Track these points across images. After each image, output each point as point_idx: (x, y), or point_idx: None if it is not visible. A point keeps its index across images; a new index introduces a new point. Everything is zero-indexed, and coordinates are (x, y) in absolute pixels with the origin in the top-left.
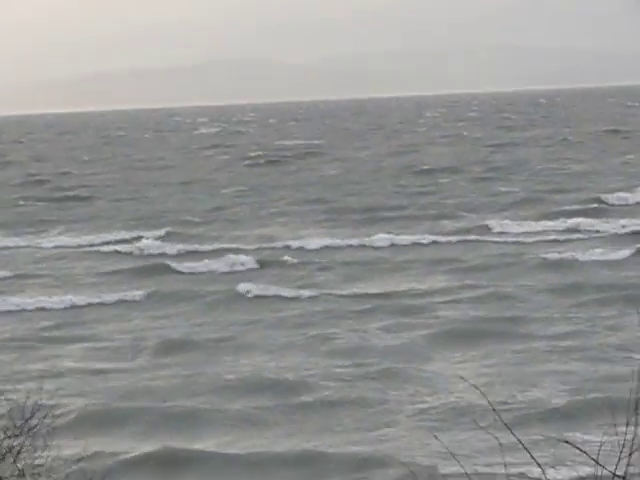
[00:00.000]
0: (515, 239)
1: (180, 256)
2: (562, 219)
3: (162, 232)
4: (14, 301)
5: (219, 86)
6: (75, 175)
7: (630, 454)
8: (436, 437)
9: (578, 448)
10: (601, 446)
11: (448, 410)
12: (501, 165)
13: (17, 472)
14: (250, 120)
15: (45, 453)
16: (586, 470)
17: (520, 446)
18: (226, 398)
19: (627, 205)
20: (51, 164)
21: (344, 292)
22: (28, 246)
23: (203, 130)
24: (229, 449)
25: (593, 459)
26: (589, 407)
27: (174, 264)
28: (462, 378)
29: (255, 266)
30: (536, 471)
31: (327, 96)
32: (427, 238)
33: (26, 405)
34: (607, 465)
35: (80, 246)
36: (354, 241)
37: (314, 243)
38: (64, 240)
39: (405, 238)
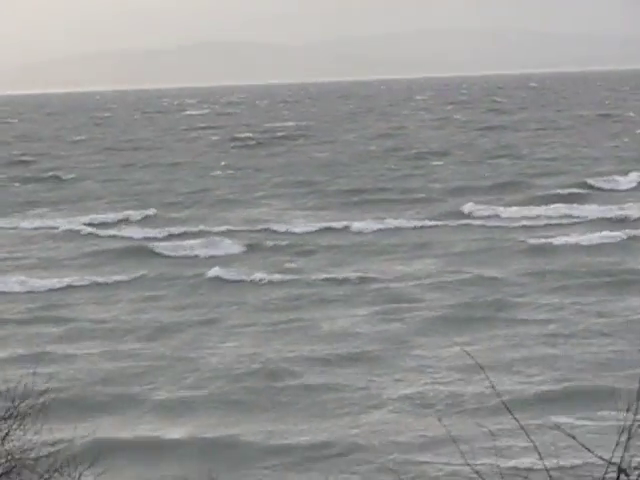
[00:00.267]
0: (499, 223)
1: (163, 238)
2: (546, 203)
3: (146, 214)
4: None
5: (217, 67)
6: (60, 156)
7: (628, 439)
8: (439, 420)
9: (569, 434)
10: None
11: (432, 396)
12: (488, 148)
13: (5, 454)
14: (240, 102)
15: (35, 437)
16: (577, 457)
17: (506, 432)
18: (208, 383)
19: (614, 190)
20: (37, 144)
21: (328, 276)
22: (10, 227)
23: (192, 112)
24: (210, 433)
25: (583, 446)
26: (575, 393)
27: (156, 246)
28: (468, 354)
29: (240, 249)
30: (527, 461)
31: (326, 78)
32: (412, 222)
33: (16, 388)
34: (597, 451)
35: (62, 227)
36: (340, 224)
37: (300, 226)
38: (46, 222)
39: (390, 222)
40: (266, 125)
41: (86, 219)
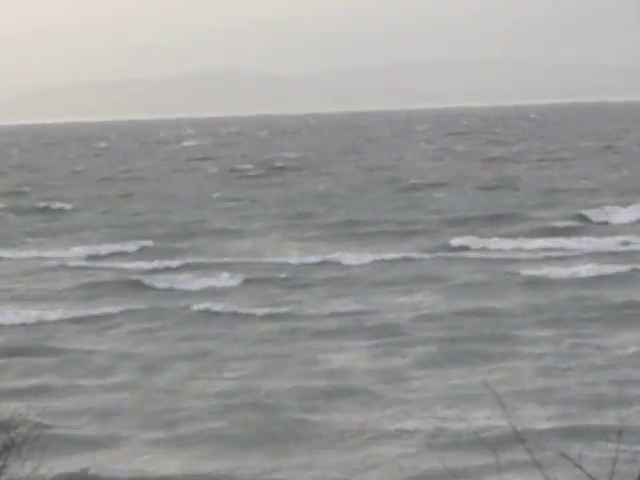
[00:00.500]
0: (495, 256)
1: (158, 271)
2: (544, 236)
3: (143, 245)
4: None
5: (217, 97)
6: (57, 186)
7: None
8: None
9: (574, 463)
10: None
11: (431, 430)
12: (487, 179)
13: None
14: (240, 132)
15: (28, 471)
16: None
17: (504, 469)
18: (202, 416)
19: (612, 223)
20: (34, 175)
21: (324, 309)
22: (6, 258)
23: (191, 142)
24: (206, 468)
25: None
26: (571, 429)
27: (151, 279)
28: (487, 386)
29: (236, 282)
30: None
31: (326, 109)
32: (408, 254)
33: (11, 421)
34: None
35: (56, 259)
36: (336, 256)
37: (296, 258)
38: (41, 253)
39: (386, 255)
40: (265, 156)
41: (81, 250)
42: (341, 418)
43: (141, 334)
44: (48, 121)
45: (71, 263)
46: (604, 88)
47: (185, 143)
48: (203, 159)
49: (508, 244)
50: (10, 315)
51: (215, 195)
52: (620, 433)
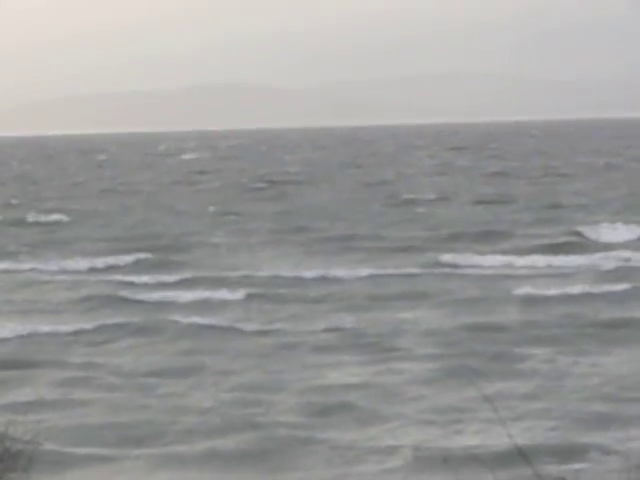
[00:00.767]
0: (490, 272)
1: (154, 285)
2: (541, 252)
3: (140, 258)
4: None
5: (217, 110)
6: (57, 198)
7: None
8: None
9: None
10: None
11: (429, 447)
12: (487, 194)
13: None
14: (240, 146)
15: None
16: None
17: None
18: (195, 435)
19: (608, 241)
20: (34, 187)
21: (320, 324)
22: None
23: (191, 155)
24: None
25: None
26: (570, 446)
27: (146, 293)
28: (487, 401)
29: (234, 296)
30: None
31: (326, 123)
32: (404, 270)
33: (3, 437)
34: None
35: (48, 271)
36: (332, 272)
37: (291, 272)
38: (37, 265)
39: (383, 270)
40: (264, 170)
41: (78, 263)
42: (335, 434)
43: (136, 348)
44: (48, 133)
45: (67, 276)
46: (604, 104)
47: (184, 156)
48: (202, 172)
49: (502, 260)
50: (3, 328)
51: (213, 208)
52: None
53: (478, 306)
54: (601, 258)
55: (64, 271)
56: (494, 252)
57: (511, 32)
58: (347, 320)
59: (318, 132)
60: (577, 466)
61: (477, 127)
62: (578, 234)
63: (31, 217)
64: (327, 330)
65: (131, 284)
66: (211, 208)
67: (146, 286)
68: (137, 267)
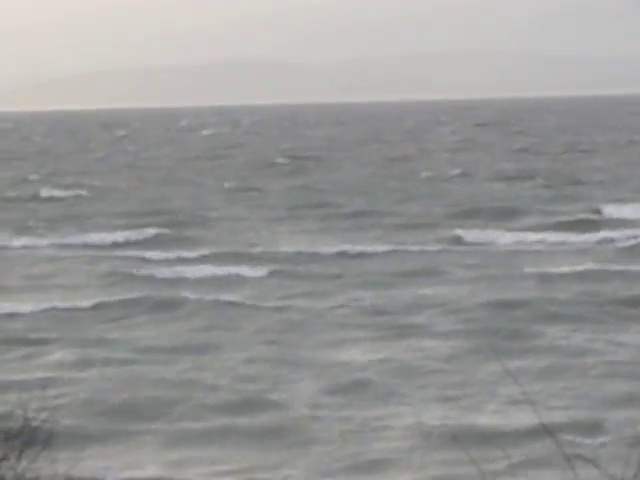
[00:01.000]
0: (507, 249)
1: (173, 260)
2: (560, 229)
3: (159, 233)
4: None
5: (233, 86)
6: (78, 173)
7: None
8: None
9: (590, 460)
10: None
11: (447, 425)
12: (507, 170)
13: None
14: (261, 122)
15: (40, 464)
16: None
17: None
18: (200, 414)
19: (627, 218)
20: (55, 162)
21: (335, 303)
22: (24, 246)
23: (213, 130)
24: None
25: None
26: (589, 424)
27: (164, 268)
28: (520, 387)
29: (249, 273)
30: None
31: (343, 99)
32: (423, 247)
33: (23, 412)
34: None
35: (68, 246)
36: (348, 248)
37: (311, 249)
38: (53, 240)
39: (400, 247)
40: (285, 146)
41: (97, 238)
42: (352, 412)
43: (153, 324)
44: (75, 107)
45: (86, 251)
46: (620, 80)
47: (205, 132)
48: (223, 148)
49: (521, 237)
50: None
51: (233, 184)
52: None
53: (496, 283)
54: (619, 236)
55: (83, 246)
56: (513, 229)
57: (527, 8)
58: (366, 296)
59: (336, 108)
60: (597, 442)
61: (495, 103)
62: (597, 211)
63: (50, 192)
64: (346, 306)
65: (150, 260)
66: (231, 183)
67: (165, 262)
68: (156, 243)
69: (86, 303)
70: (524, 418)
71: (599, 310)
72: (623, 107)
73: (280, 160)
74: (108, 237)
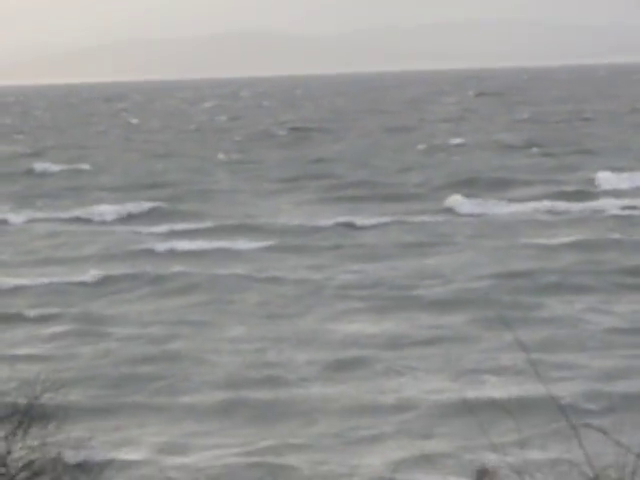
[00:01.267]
0: (505, 219)
1: (175, 233)
2: (559, 199)
3: (153, 207)
4: None
5: (233, 58)
6: (78, 146)
7: None
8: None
9: (600, 430)
10: None
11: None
12: (510, 141)
13: (26, 448)
14: (262, 94)
15: (53, 435)
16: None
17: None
18: (201, 389)
19: (621, 188)
20: (57, 136)
21: (336, 276)
22: (24, 221)
23: (213, 103)
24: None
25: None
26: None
27: (155, 243)
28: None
29: (247, 246)
30: None
31: (343, 69)
32: (421, 218)
33: (34, 384)
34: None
35: (74, 221)
36: (345, 219)
37: (311, 221)
38: (54, 214)
39: (398, 217)
40: (286, 117)
41: (96, 212)
42: (353, 387)
43: (151, 298)
44: (69, 81)
45: (85, 225)
46: (631, 48)
47: (206, 104)
48: (224, 120)
49: (517, 207)
50: (8, 279)
51: (234, 156)
52: None
53: (495, 253)
54: (616, 205)
55: (81, 220)
56: (511, 199)
57: None
58: (365, 268)
59: (337, 79)
60: (602, 411)
61: (506, 73)
62: (594, 181)
63: (50, 166)
64: (347, 279)
65: (148, 234)
66: (232, 155)
67: (163, 235)
68: (155, 216)
69: (84, 277)
70: (528, 389)
71: (592, 279)
72: (625, 76)
73: (281, 132)
74: (107, 210)
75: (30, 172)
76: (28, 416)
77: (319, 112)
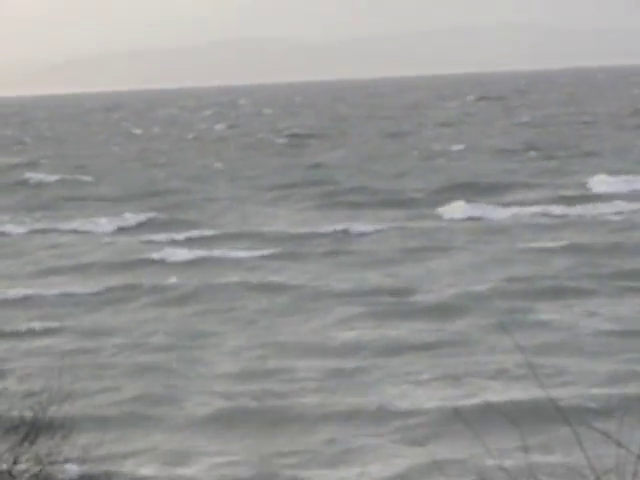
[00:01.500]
0: (503, 224)
1: (178, 242)
2: (547, 204)
3: (151, 217)
4: None
5: (234, 65)
6: (80, 156)
7: None
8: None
9: (604, 433)
10: None
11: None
12: (509, 145)
13: (34, 457)
14: (261, 101)
15: (59, 445)
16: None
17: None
18: (202, 399)
19: (618, 192)
20: (58, 146)
21: (334, 283)
22: (25, 232)
23: (212, 111)
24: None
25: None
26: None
27: (169, 250)
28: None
29: (243, 254)
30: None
31: (343, 76)
32: (418, 223)
33: (43, 395)
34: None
35: (73, 231)
36: (348, 227)
37: (306, 229)
38: (55, 225)
39: (397, 224)
40: (285, 124)
41: (95, 223)
42: (352, 396)
43: (149, 309)
44: (80, 90)
45: (84, 237)
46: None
47: (206, 112)
48: (223, 128)
49: (514, 211)
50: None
51: (233, 164)
52: None
53: (496, 258)
54: (612, 209)
55: (81, 231)
56: (509, 203)
57: None
58: (364, 275)
59: (337, 85)
60: (604, 417)
61: (498, 77)
62: (592, 185)
63: (51, 177)
64: (346, 285)
65: (149, 243)
66: (231, 164)
67: (162, 245)
68: (155, 226)
69: (89, 289)
70: (529, 393)
71: (588, 283)
72: (624, 79)
73: (279, 139)
74: (107, 221)
75: (24, 182)
76: (35, 427)
77: (319, 119)
